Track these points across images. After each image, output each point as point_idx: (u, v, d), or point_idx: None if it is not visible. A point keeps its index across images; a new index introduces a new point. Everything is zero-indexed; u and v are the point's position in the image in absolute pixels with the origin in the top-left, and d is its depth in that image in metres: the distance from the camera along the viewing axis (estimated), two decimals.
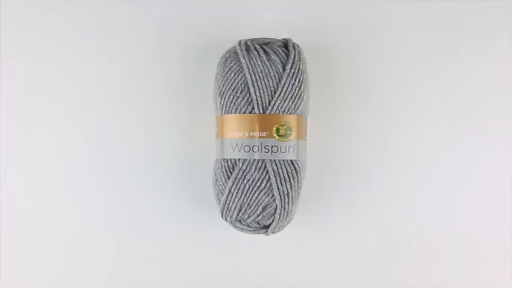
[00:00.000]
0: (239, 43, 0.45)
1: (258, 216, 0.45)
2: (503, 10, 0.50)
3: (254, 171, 0.44)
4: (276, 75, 0.44)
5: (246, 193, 0.44)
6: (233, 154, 0.45)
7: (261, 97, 0.44)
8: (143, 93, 0.50)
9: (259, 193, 0.44)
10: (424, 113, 0.50)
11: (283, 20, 0.50)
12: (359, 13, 0.50)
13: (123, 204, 0.51)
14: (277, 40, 0.46)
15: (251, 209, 0.45)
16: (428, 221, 0.51)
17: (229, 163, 0.45)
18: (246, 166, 0.44)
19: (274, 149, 0.44)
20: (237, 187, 0.44)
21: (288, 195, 0.45)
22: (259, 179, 0.44)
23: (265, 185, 0.44)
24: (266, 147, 0.44)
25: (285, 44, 0.46)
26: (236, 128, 0.45)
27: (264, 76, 0.44)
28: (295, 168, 0.45)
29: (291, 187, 0.45)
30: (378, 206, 0.51)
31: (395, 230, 0.51)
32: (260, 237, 0.48)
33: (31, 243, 0.51)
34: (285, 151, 0.44)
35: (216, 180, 0.46)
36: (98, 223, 0.51)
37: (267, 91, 0.44)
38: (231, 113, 0.45)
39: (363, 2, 0.50)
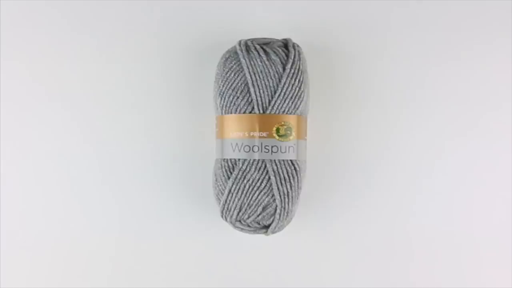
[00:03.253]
0: (239, 43, 0.45)
1: (258, 216, 0.45)
2: (503, 10, 0.50)
3: (254, 171, 0.44)
4: (276, 75, 0.44)
5: (246, 193, 0.44)
6: (233, 154, 0.45)
7: (261, 97, 0.44)
8: (143, 93, 0.50)
9: (259, 193, 0.44)
10: (424, 113, 0.50)
11: (283, 20, 0.50)
12: (359, 13, 0.50)
13: (123, 204, 0.51)
14: (277, 40, 0.46)
15: (251, 209, 0.45)
16: (428, 221, 0.51)
17: (229, 163, 0.45)
18: (246, 166, 0.44)
19: (274, 149, 0.44)
20: (237, 187, 0.44)
21: (288, 195, 0.45)
22: (259, 179, 0.44)
23: (265, 185, 0.44)
24: (266, 147, 0.44)
25: (285, 44, 0.46)
26: (236, 128, 0.44)
27: (264, 76, 0.44)
28: (295, 168, 0.45)
29: (291, 187, 0.45)
30: (378, 206, 0.51)
31: (395, 230, 0.51)
32: (260, 237, 0.48)
33: (31, 243, 0.51)
34: (285, 151, 0.44)
35: (216, 180, 0.46)
36: (98, 223, 0.51)
37: (267, 91, 0.44)
38: (231, 113, 0.45)
39: (363, 2, 0.50)
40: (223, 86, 0.45)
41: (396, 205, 0.51)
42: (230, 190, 0.45)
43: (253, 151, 0.44)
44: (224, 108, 0.45)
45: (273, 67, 0.44)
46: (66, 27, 0.50)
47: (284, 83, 0.44)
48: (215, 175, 0.47)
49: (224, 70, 0.45)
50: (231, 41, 0.47)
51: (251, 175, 0.44)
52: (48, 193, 0.51)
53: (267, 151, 0.44)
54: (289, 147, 0.45)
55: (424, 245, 0.51)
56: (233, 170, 0.45)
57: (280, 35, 0.47)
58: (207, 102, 0.49)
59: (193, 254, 0.51)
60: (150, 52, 0.50)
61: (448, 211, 0.51)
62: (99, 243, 0.51)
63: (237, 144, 0.45)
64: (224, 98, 0.45)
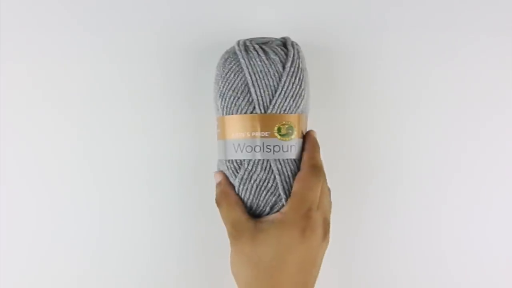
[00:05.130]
0: (238, 43, 0.45)
1: (266, 215, 0.45)
2: (503, 10, 0.51)
3: (260, 171, 0.44)
4: (276, 74, 0.44)
5: (254, 193, 0.44)
6: (235, 155, 0.45)
7: (262, 96, 0.44)
8: (143, 94, 0.50)
9: (266, 193, 0.44)
10: (424, 112, 0.51)
11: (283, 20, 0.50)
12: (359, 13, 0.50)
13: (123, 205, 0.50)
14: (276, 39, 0.46)
15: (260, 209, 0.45)
16: (428, 221, 0.51)
17: (235, 164, 0.45)
18: (252, 167, 0.44)
19: (276, 148, 0.44)
20: (245, 187, 0.44)
21: None
22: (265, 179, 0.44)
23: (272, 185, 0.44)
24: (268, 146, 0.44)
25: (284, 43, 0.46)
26: (238, 128, 0.44)
27: (264, 76, 0.44)
28: (298, 167, 0.45)
29: None
30: (378, 206, 0.51)
31: (396, 230, 0.51)
32: None
33: (31, 243, 0.50)
34: (287, 150, 0.44)
35: None
36: (98, 224, 0.50)
37: (267, 91, 0.44)
38: (232, 114, 0.45)
39: (363, 2, 0.50)
40: (223, 87, 0.45)
41: (396, 204, 0.51)
42: (238, 191, 0.45)
43: (255, 151, 0.44)
44: (225, 109, 0.45)
45: (273, 66, 0.44)
46: (66, 28, 0.50)
47: (285, 82, 0.44)
48: None
49: (223, 71, 0.45)
50: (231, 41, 0.47)
51: (258, 175, 0.44)
52: (48, 193, 0.50)
53: (269, 150, 0.44)
54: (291, 146, 0.45)
55: (424, 246, 0.51)
56: (239, 171, 0.45)
57: (280, 35, 0.47)
58: (208, 102, 0.49)
59: (193, 254, 0.51)
60: (150, 52, 0.50)
61: (448, 211, 0.51)
62: (99, 243, 0.50)
63: (239, 144, 0.44)
64: (225, 99, 0.45)
